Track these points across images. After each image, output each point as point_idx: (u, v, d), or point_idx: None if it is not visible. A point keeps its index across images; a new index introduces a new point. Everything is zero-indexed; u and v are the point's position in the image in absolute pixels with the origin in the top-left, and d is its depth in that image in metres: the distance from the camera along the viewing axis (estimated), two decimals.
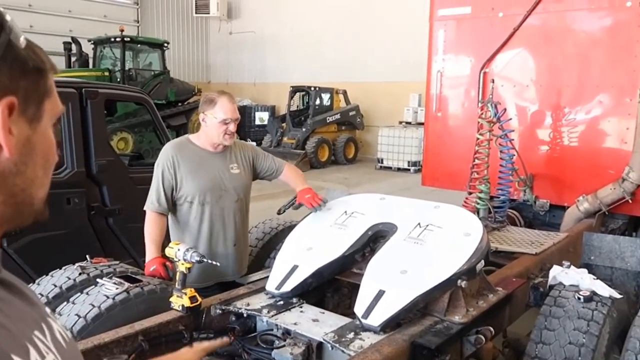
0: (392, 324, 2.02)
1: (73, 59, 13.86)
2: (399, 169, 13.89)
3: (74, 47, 13.74)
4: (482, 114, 3.89)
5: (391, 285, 2.09)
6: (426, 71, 5.11)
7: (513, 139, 3.94)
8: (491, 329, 2.14)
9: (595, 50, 4.18)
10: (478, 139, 3.86)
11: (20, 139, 0.64)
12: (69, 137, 3.73)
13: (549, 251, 3.17)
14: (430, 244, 2.27)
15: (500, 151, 3.91)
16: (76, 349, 0.78)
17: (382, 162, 14.27)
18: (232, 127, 2.67)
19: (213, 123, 2.67)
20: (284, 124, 14.86)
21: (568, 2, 4.28)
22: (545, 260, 3.05)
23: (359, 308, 2.07)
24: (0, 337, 0.56)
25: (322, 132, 14.63)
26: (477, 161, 3.86)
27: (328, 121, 14.88)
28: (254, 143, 13.60)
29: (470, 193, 4.17)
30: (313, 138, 14.19)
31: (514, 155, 3.98)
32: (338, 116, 15.13)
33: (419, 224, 2.41)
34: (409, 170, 13.69)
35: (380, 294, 2.07)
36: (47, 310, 0.74)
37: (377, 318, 2.00)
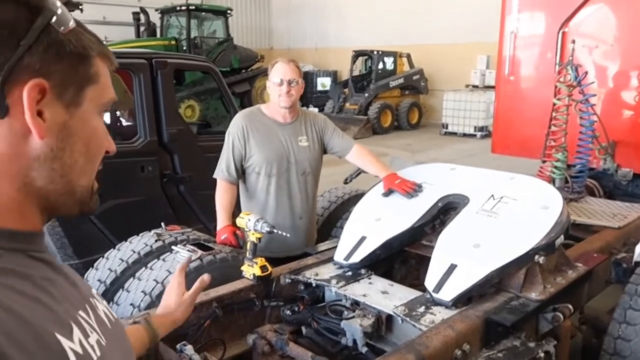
0: (465, 299, 1.97)
1: (142, 28, 14.27)
2: (464, 135, 13.48)
3: (142, 17, 14.12)
4: (560, 77, 3.64)
5: (464, 259, 2.03)
6: (498, 31, 4.84)
7: (594, 104, 3.68)
8: (570, 306, 2.04)
9: None
10: (555, 104, 3.63)
11: (55, 122, 0.64)
12: (142, 107, 3.85)
13: (633, 225, 2.97)
14: (505, 217, 2.18)
15: (580, 117, 3.67)
16: (122, 330, 0.80)
17: (447, 128, 13.90)
18: (286, 87, 2.66)
19: (271, 86, 2.72)
20: (346, 90, 14.72)
21: None
22: (629, 235, 2.86)
23: (430, 282, 2.03)
24: (45, 317, 0.57)
25: (385, 97, 14.39)
26: (554, 128, 3.64)
27: (391, 86, 14.60)
28: (316, 109, 13.62)
29: (544, 161, 3.97)
30: (376, 103, 13.99)
31: (595, 121, 3.72)
32: (401, 80, 14.80)
33: (492, 195, 2.31)
34: (476, 135, 13.26)
35: (452, 268, 2.02)
36: (93, 291, 0.77)
37: (449, 292, 1.95)
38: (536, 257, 2.00)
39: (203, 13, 14.67)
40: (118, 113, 5.02)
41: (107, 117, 4.88)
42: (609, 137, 3.92)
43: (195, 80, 11.84)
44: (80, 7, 8.98)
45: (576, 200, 3.46)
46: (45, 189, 0.66)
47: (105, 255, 2.61)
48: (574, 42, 3.71)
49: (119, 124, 4.95)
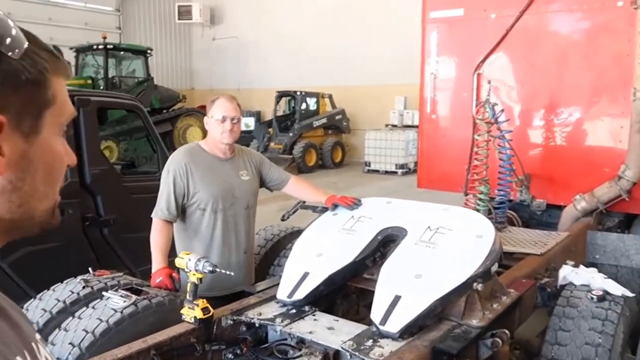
0: (410, 330, 1.99)
1: None
2: (386, 172, 13.92)
3: None
4: (478, 115, 3.89)
5: (407, 290, 2.06)
6: (419, 74, 5.10)
7: (511, 140, 3.95)
8: (507, 331, 2.12)
9: (587, 49, 4.22)
10: (476, 140, 3.86)
11: (14, 155, 0.61)
12: None
13: (552, 251, 3.17)
14: (442, 247, 2.25)
15: (499, 152, 3.92)
16: None
17: (369, 166, 14.29)
18: (229, 125, 2.67)
19: (212, 122, 2.70)
20: (270, 129, 14.83)
21: (560, 3, 4.31)
22: (550, 260, 3.05)
23: (376, 314, 2.03)
24: None
25: (309, 137, 14.63)
26: (476, 162, 3.86)
27: (315, 125, 14.89)
28: None
29: (466, 194, 4.18)
30: (300, 143, 14.18)
31: (512, 155, 3.99)
32: (324, 120, 15.15)
33: (429, 227, 2.39)
34: (397, 172, 13.74)
35: (397, 299, 2.04)
36: (37, 336, 0.71)
37: (395, 324, 1.97)
38: (475, 284, 2.07)
39: (121, 52, 14.34)
40: None
41: None
42: (524, 170, 4.21)
43: (116, 120, 11.43)
44: None
45: (500, 230, 3.65)
46: (1, 219, 0.63)
47: (25, 306, 2.39)
48: (489, 82, 4.00)
49: None
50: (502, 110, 3.89)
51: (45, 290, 2.45)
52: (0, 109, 0.59)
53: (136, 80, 14.25)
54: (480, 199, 3.80)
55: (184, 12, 19.12)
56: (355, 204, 2.71)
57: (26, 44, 0.61)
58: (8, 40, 0.59)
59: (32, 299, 2.42)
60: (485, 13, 4.59)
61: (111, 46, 13.74)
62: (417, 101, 5.60)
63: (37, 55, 0.63)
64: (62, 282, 2.49)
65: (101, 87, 13.16)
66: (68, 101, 0.69)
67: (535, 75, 4.49)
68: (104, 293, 2.28)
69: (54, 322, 2.24)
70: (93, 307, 2.19)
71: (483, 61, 4.60)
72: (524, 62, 4.56)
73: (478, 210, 3.76)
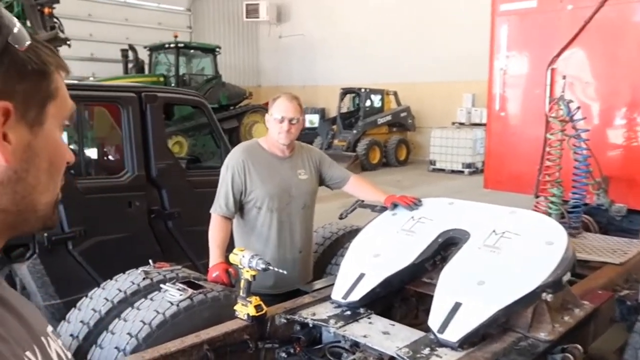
0: (471, 340, 1.87)
1: (130, 65, 14.32)
2: (452, 171, 13.53)
3: (130, 54, 14.19)
4: (552, 112, 3.65)
5: (468, 297, 1.94)
6: (488, 69, 4.88)
7: (588, 139, 3.68)
8: (579, 347, 1.95)
9: None
10: (549, 139, 3.63)
11: (20, 145, 0.62)
12: (130, 141, 3.77)
13: (633, 260, 2.92)
14: (508, 253, 2.11)
15: (574, 152, 3.66)
16: None
17: (434, 164, 13.95)
18: (286, 125, 2.62)
19: (271, 121, 2.68)
20: (334, 126, 14.81)
21: None
22: (631, 271, 2.81)
23: (434, 321, 1.93)
24: None
25: (373, 134, 14.48)
26: (548, 163, 3.62)
27: (379, 123, 14.73)
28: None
29: (537, 196, 3.94)
30: (364, 140, 14.06)
31: (589, 156, 3.72)
32: (389, 118, 14.94)
33: (494, 230, 2.25)
34: (463, 172, 13.32)
35: (457, 306, 1.93)
36: (49, 329, 0.73)
37: (454, 333, 1.86)
38: (543, 294, 1.92)
39: (192, 51, 14.81)
40: (105, 147, 4.93)
41: (93, 152, 4.79)
42: (602, 172, 3.92)
43: (184, 116, 11.82)
44: (68, 42, 8.97)
45: (574, 235, 3.41)
46: (6, 212, 0.63)
47: (89, 294, 2.48)
48: (564, 77, 3.75)
49: (105, 158, 4.85)
50: (578, 108, 3.62)
51: (109, 280, 2.52)
52: (7, 96, 0.59)
53: (205, 77, 14.67)
54: (552, 202, 3.57)
55: (252, 11, 19.47)
56: (415, 203, 2.61)
57: (29, 40, 0.63)
58: (16, 30, 0.61)
59: (96, 288, 2.50)
60: (562, 4, 4.31)
61: (182, 45, 14.22)
62: (485, 98, 5.38)
63: (40, 49, 0.65)
64: (124, 273, 2.55)
65: (172, 85, 13.64)
66: (68, 96, 0.70)
67: (617, 71, 4.16)
68: (162, 285, 2.31)
69: (115, 312, 2.30)
70: (151, 299, 2.22)
71: (558, 55, 4.32)
72: (603, 57, 4.24)
73: (549, 214, 3.53)
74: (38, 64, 0.63)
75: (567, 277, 2.02)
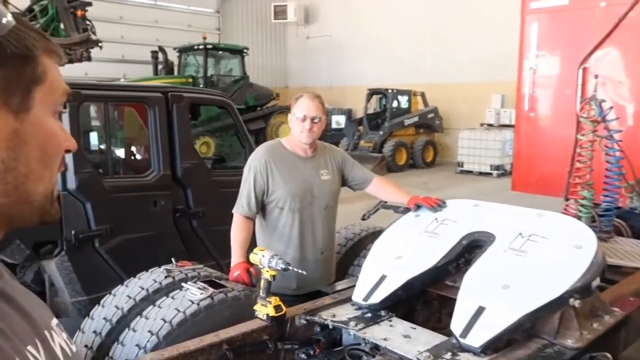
0: (494, 346, 1.82)
1: (159, 66, 14.55)
2: (480, 173, 13.32)
3: (160, 55, 14.42)
4: (583, 112, 3.54)
5: (492, 301, 1.89)
6: (517, 69, 4.78)
7: (621, 140, 3.56)
8: (609, 355, 1.88)
9: None
10: (579, 140, 3.52)
11: (4, 133, 0.60)
12: (156, 141, 3.81)
13: None
14: (535, 257, 2.05)
15: (606, 153, 3.54)
16: None
17: (462, 166, 13.77)
18: (308, 124, 2.61)
19: (293, 120, 2.67)
20: (360, 127, 14.75)
21: None
22: None
23: (456, 325, 1.88)
24: None
25: (399, 135, 14.37)
26: (578, 164, 3.51)
27: (406, 124, 14.60)
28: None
29: (567, 199, 3.83)
30: (390, 141, 13.97)
31: (622, 157, 3.59)
32: (416, 119, 14.81)
33: (520, 233, 2.18)
34: (492, 174, 13.11)
35: (480, 310, 1.88)
36: (54, 322, 0.72)
37: (477, 338, 1.81)
38: (571, 300, 1.86)
39: (220, 52, 14.97)
40: (132, 147, 5.00)
41: (121, 152, 4.87)
42: (635, 174, 3.78)
43: (211, 116, 11.94)
44: (99, 44, 9.17)
45: (605, 240, 3.30)
46: (0, 204, 0.62)
47: (113, 292, 2.51)
48: (596, 77, 3.64)
49: (132, 157, 4.92)
50: (611, 108, 3.51)
51: (132, 278, 2.55)
52: None
53: (233, 78, 14.80)
54: (582, 205, 3.45)
55: (280, 12, 19.56)
56: (439, 205, 2.56)
57: (12, 24, 0.61)
58: None
59: (119, 286, 2.53)
60: (594, 1, 4.18)
61: (210, 46, 14.39)
62: (515, 99, 5.27)
63: (25, 33, 0.63)
64: (147, 271, 2.58)
65: (200, 85, 13.81)
66: (60, 80, 0.68)
67: None
68: (183, 284, 2.33)
69: (137, 309, 2.32)
70: (172, 297, 2.24)
71: (590, 54, 4.19)
72: (638, 55, 4.10)
73: (579, 218, 3.42)
74: (19, 48, 0.61)
75: (597, 282, 1.95)
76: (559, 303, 1.85)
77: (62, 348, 0.69)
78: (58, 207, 0.70)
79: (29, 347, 0.61)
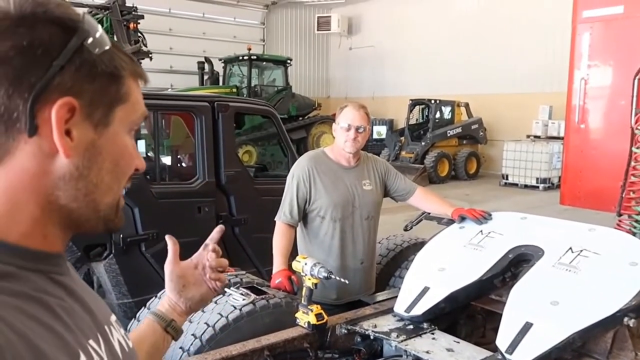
0: None
1: (205, 77, 14.91)
2: (526, 186, 12.97)
3: (206, 66, 14.78)
4: (638, 125, 3.41)
5: (540, 317, 1.83)
6: (567, 79, 4.66)
7: None
8: None
9: None
10: (635, 153, 3.39)
11: (82, 142, 0.63)
12: (202, 149, 3.90)
13: None
14: (586, 273, 1.97)
15: None
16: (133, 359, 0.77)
17: (507, 179, 13.44)
18: (353, 134, 2.61)
19: (338, 129, 2.69)
20: (402, 138, 14.64)
21: None
22: None
23: (502, 341, 1.83)
24: (55, 346, 0.57)
25: (442, 146, 14.18)
26: (633, 178, 3.38)
27: (448, 135, 14.40)
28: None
29: (620, 215, 3.68)
30: (432, 152, 13.80)
31: None
32: (459, 130, 14.58)
33: (570, 248, 2.11)
34: (538, 187, 12.74)
35: (528, 326, 1.82)
36: (112, 318, 0.75)
37: (524, 355, 1.75)
38: (625, 319, 1.78)
39: (264, 63, 15.20)
40: (178, 154, 5.14)
41: (167, 159, 5.00)
42: None
43: (254, 125, 12.13)
44: (150, 55, 9.48)
45: None
46: (68, 207, 0.65)
47: (158, 295, 2.56)
48: None
49: (178, 164, 5.05)
50: None
51: None
52: (75, 94, 0.61)
53: (276, 88, 15.00)
54: (637, 221, 3.32)
55: (323, 23, 19.75)
56: (484, 217, 2.50)
57: (108, 46, 0.65)
58: (97, 35, 0.64)
59: (164, 289, 2.58)
60: None
61: (255, 57, 14.63)
62: (563, 111, 5.13)
63: (117, 55, 0.67)
64: None
65: (244, 95, 14.06)
66: (141, 103, 0.72)
67: None
68: (226, 289, 2.35)
69: None
70: (215, 302, 2.27)
71: None
72: None
73: (634, 234, 3.28)
74: (109, 67, 0.65)
75: None
76: (612, 322, 1.77)
77: (120, 343, 0.71)
78: (122, 216, 0.73)
79: (91, 341, 0.63)
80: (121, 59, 0.68)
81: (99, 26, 0.66)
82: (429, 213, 2.86)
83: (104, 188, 0.67)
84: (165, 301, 1.14)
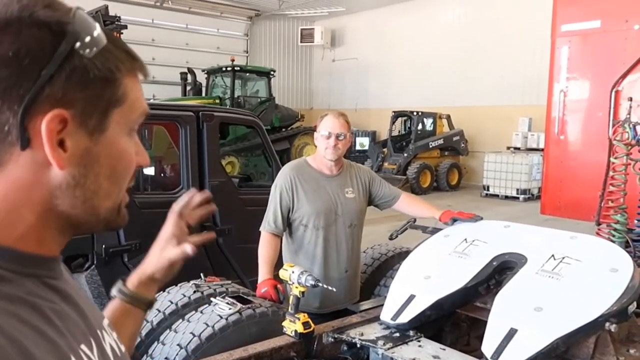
0: None
1: (188, 87, 14.85)
2: (506, 197, 13.14)
3: (189, 77, 14.73)
4: (616, 135, 3.49)
5: (525, 323, 1.86)
6: (547, 92, 4.76)
7: None
8: None
9: None
10: (613, 163, 3.46)
11: (77, 151, 0.62)
12: (186, 159, 3.88)
13: None
14: (568, 279, 2.01)
15: None
16: None
17: (488, 190, 13.60)
18: (333, 141, 2.64)
19: (318, 138, 2.72)
20: (384, 149, 14.76)
21: None
22: None
23: (488, 347, 1.85)
24: (47, 351, 0.56)
25: (424, 158, 14.32)
26: (611, 188, 3.45)
27: (430, 146, 14.55)
28: None
29: (598, 224, 3.75)
30: (415, 163, 13.93)
31: None
32: (441, 141, 14.75)
33: (552, 255, 2.15)
34: (518, 198, 12.92)
35: (512, 332, 1.84)
36: (104, 321, 0.74)
37: None
38: (607, 324, 1.81)
39: (247, 74, 15.21)
40: (162, 165, 5.10)
41: (150, 169, 4.96)
42: None
43: (238, 137, 12.09)
44: None
45: (639, 265, 3.21)
46: (67, 213, 0.64)
47: None
48: (631, 99, 3.59)
49: (161, 174, 5.02)
50: None
51: (161, 292, 2.57)
52: (66, 104, 0.59)
53: (259, 99, 15.01)
54: (615, 230, 3.38)
55: (307, 35, 19.88)
56: (475, 218, 2.54)
57: (103, 44, 0.62)
58: (87, 39, 0.60)
59: None
60: (627, 24, 4.16)
61: (238, 68, 14.64)
62: (543, 123, 5.23)
63: (112, 54, 0.64)
64: (176, 285, 2.60)
65: (228, 106, 14.03)
66: (141, 99, 0.69)
67: None
68: (212, 299, 2.34)
69: (166, 323, 2.34)
70: (201, 312, 2.25)
71: (623, 77, 4.15)
72: None
73: (612, 242, 3.35)
74: (102, 71, 0.62)
75: (633, 307, 1.89)
76: (594, 327, 1.81)
77: (112, 348, 0.71)
78: (125, 213, 0.71)
79: (83, 346, 0.62)
80: (117, 57, 0.64)
81: (93, 23, 0.62)
82: (414, 221, 2.88)
83: (103, 193, 0.66)
84: (134, 278, 1.08)
